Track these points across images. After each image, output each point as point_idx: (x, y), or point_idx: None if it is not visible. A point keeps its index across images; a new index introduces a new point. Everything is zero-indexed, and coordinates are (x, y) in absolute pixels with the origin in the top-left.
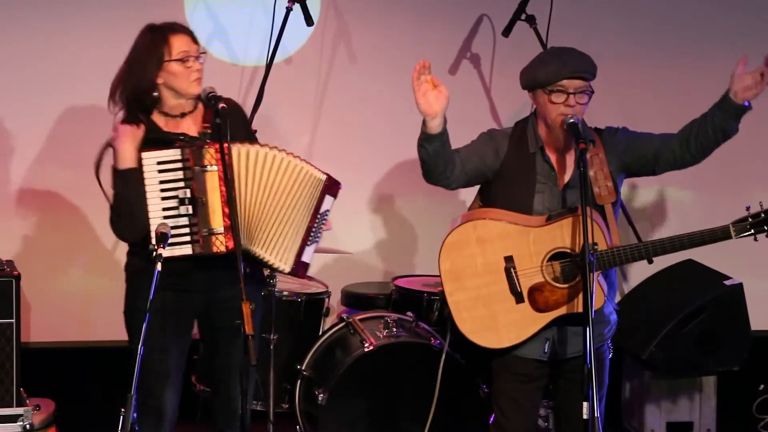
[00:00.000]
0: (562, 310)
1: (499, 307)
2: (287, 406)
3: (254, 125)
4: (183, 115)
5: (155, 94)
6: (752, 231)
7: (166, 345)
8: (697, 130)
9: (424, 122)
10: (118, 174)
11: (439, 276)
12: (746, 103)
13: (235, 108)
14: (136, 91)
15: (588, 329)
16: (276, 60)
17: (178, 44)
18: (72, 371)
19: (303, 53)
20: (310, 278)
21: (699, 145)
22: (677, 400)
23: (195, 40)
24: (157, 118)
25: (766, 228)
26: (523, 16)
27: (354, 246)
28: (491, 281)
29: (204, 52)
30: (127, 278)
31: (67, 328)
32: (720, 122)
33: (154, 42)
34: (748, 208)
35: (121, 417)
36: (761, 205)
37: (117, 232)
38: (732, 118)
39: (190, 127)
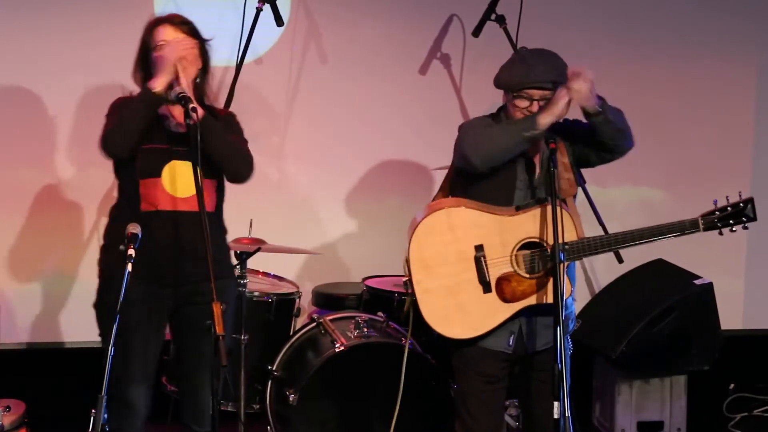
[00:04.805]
0: (528, 301)
1: (465, 296)
2: (258, 406)
3: None
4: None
5: None
6: (719, 225)
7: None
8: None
9: (541, 119)
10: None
11: (407, 263)
12: (596, 107)
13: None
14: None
15: (559, 328)
16: (246, 60)
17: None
18: (42, 372)
19: (273, 53)
20: (281, 278)
21: (608, 145)
22: (648, 400)
23: (183, 29)
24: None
25: (731, 222)
26: (493, 17)
27: (325, 246)
28: (461, 270)
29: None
30: (100, 273)
31: (37, 329)
32: (602, 130)
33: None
34: (715, 202)
35: (92, 418)
36: (728, 199)
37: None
38: (599, 124)
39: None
